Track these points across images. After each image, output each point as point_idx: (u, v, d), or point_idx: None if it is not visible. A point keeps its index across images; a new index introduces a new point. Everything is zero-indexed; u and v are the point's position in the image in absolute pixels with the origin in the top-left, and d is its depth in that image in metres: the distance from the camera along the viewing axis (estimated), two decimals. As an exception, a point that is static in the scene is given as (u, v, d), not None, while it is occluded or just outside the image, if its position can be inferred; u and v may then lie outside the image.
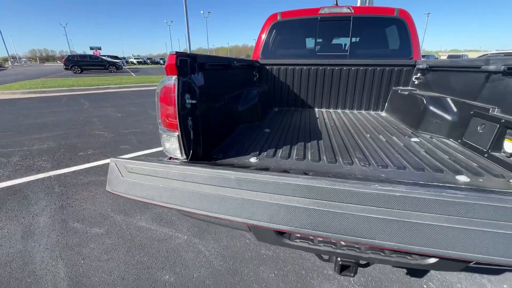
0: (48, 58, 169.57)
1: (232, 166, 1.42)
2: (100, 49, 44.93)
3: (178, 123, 1.33)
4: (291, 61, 3.27)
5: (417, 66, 2.86)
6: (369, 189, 0.75)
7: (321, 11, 3.12)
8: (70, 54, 28.76)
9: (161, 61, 63.70)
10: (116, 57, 37.78)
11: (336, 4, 3.20)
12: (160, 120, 1.42)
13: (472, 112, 1.81)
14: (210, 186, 0.83)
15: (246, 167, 1.49)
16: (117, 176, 0.91)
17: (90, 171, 3.56)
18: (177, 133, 1.38)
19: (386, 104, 3.12)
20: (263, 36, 3.36)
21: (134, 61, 60.28)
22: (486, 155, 1.60)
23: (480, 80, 1.84)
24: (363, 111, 3.22)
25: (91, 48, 45.40)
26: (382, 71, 3.03)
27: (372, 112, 3.16)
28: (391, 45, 3.09)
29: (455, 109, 2.04)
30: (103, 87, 12.51)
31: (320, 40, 3.33)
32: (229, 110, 2.14)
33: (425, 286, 1.81)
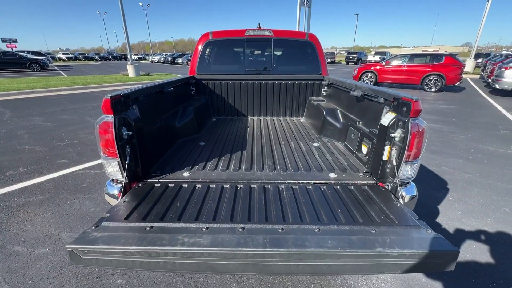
0: None
1: (167, 186, 1.77)
2: (15, 41, 38.11)
3: (117, 152, 1.62)
4: (224, 76, 3.68)
5: (323, 81, 3.58)
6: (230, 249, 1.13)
7: (247, 33, 3.59)
8: (-26, 50, 24.03)
9: (97, 57, 57.48)
10: (39, 53, 32.75)
11: (259, 27, 3.71)
12: (101, 149, 1.68)
13: (349, 123, 2.50)
14: (142, 257, 1.15)
15: (180, 181, 1.86)
16: (75, 256, 1.15)
17: (25, 191, 3.43)
18: (117, 160, 1.67)
19: (305, 111, 3.80)
20: (198, 53, 3.69)
21: (63, 57, 53.06)
22: (354, 155, 2.29)
23: (353, 99, 2.53)
24: (287, 118, 3.85)
25: (3, 41, 38.12)
26: (300, 84, 3.68)
27: (294, 118, 3.81)
28: (304, 62, 3.75)
29: (342, 120, 2.74)
30: (26, 91, 11.05)
31: (248, 58, 3.83)
32: (166, 128, 2.45)
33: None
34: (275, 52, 3.72)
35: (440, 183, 3.72)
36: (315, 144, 2.65)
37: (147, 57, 66.28)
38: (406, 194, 1.68)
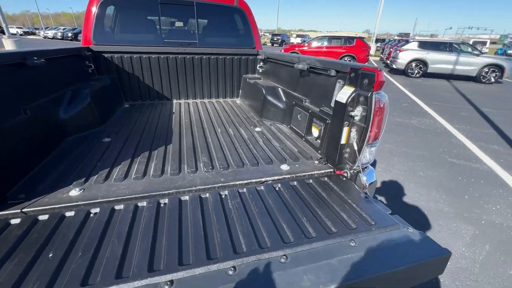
0: None
1: (35, 221, 1.07)
2: None
3: None
4: (135, 49, 2.84)
5: (258, 56, 3.17)
6: None
7: None
8: None
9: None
10: None
11: (176, -14, 2.96)
12: None
13: (294, 102, 2.19)
14: None
15: (63, 206, 1.17)
16: None
17: None
18: None
19: (240, 91, 3.36)
20: (92, 17, 2.71)
21: None
22: (304, 139, 2.00)
23: (296, 74, 2.22)
24: (220, 99, 3.32)
25: None
26: (232, 59, 3.18)
27: (228, 100, 3.32)
28: (236, 34, 3.25)
29: (284, 99, 2.42)
30: None
31: (166, 26, 3.06)
32: (40, 122, 1.62)
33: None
34: (200, 20, 3.07)
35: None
36: (258, 129, 2.26)
37: (37, 31, 52.41)
38: (366, 181, 1.47)
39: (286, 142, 1.99)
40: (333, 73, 1.66)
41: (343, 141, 1.48)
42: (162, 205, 1.19)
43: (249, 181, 1.42)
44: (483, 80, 11.44)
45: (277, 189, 1.35)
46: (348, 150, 1.49)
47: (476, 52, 11.64)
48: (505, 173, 3.62)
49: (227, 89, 3.32)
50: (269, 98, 2.47)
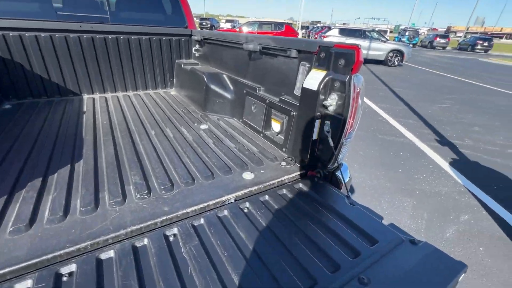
0: None
1: None
2: None
3: None
4: (10, 23, 1.97)
5: (193, 37, 2.66)
6: None
7: None
8: None
9: None
10: None
11: None
12: None
13: (245, 91, 1.86)
14: None
15: None
16: None
17: None
18: None
19: (174, 80, 2.80)
20: None
21: None
22: (262, 134, 1.71)
23: (245, 57, 1.88)
24: (150, 91, 2.71)
25: None
26: (160, 41, 2.58)
27: (160, 91, 2.74)
28: (161, 10, 2.64)
29: (232, 87, 2.06)
30: None
31: None
32: None
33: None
34: None
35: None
36: (203, 126, 1.84)
37: None
38: (343, 180, 1.29)
39: (242, 140, 1.66)
40: (293, 53, 1.39)
41: (315, 136, 1.25)
42: (65, 278, 0.72)
43: (206, 204, 1.04)
44: (389, 64, 13.33)
45: (246, 211, 1.03)
46: (320, 146, 1.27)
47: (383, 39, 13.40)
48: (422, 144, 4.17)
49: (157, 77, 2.71)
50: (213, 87, 2.06)
